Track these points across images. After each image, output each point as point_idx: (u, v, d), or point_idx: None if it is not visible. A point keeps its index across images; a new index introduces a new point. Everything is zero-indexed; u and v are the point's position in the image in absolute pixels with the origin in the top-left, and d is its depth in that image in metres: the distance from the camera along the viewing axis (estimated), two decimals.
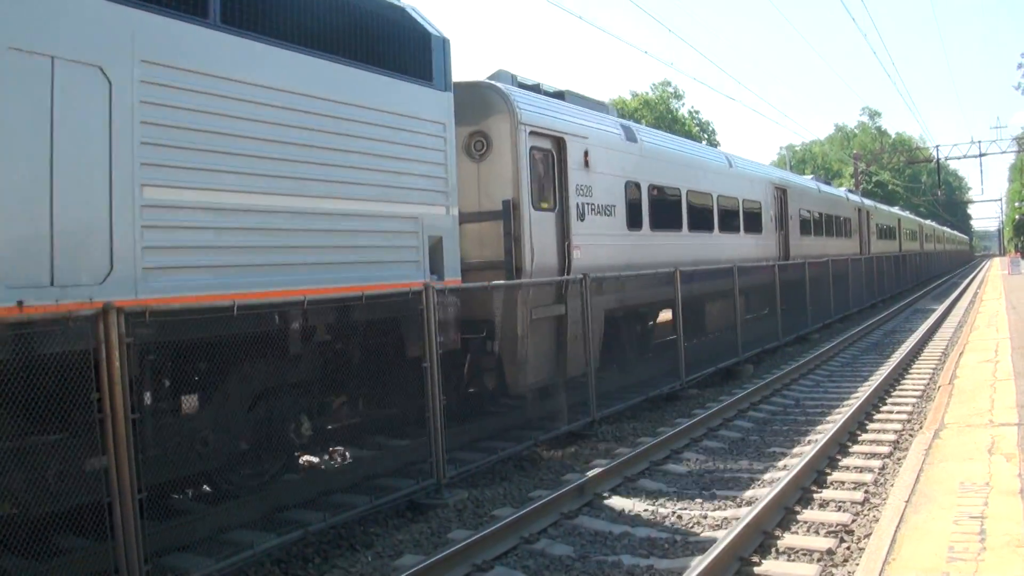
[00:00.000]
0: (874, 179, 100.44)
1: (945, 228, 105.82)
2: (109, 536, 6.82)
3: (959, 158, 79.45)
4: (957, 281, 61.54)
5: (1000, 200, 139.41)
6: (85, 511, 7.37)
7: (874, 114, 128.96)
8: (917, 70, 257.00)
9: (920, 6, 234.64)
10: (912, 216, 72.56)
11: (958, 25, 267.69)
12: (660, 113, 79.50)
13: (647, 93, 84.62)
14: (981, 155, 76.30)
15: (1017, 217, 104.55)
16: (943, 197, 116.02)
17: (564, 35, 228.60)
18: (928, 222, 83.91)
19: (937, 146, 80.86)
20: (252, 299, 8.45)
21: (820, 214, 32.29)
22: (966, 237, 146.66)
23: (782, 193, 26.87)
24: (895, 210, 61.22)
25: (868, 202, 47.67)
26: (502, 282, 12.75)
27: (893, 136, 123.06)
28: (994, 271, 70.13)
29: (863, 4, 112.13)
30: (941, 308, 34.85)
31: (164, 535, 8.35)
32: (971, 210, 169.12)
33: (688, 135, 65.38)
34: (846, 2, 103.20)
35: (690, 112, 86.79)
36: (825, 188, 36.72)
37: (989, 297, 37.04)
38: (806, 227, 29.83)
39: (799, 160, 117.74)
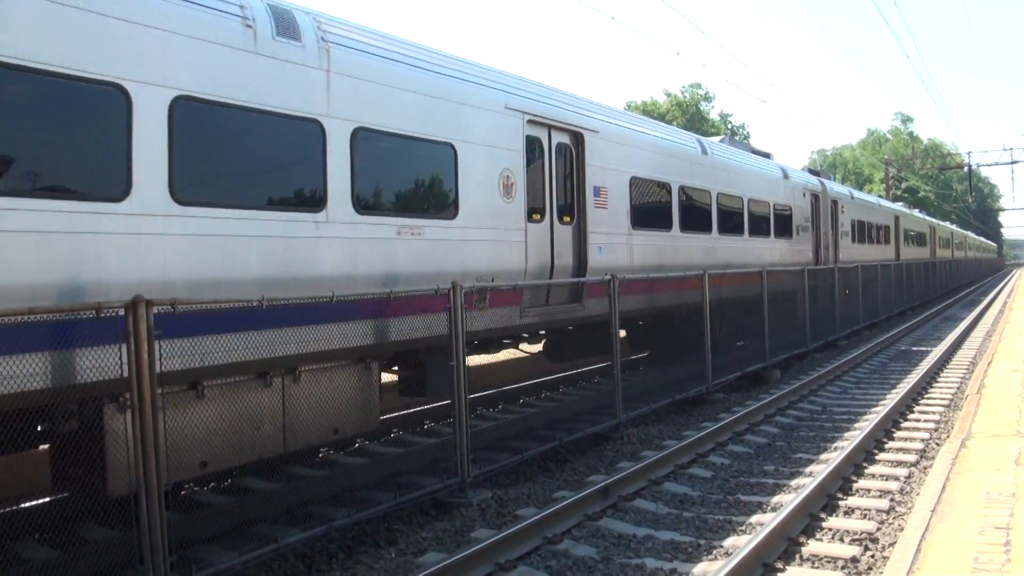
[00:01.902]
0: (904, 185, 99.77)
1: (969, 233, 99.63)
2: (135, 526, 6.89)
3: (991, 165, 79.08)
4: (977, 298, 53.17)
5: None
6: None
7: (906, 119, 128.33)
8: (950, 75, 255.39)
9: (954, 11, 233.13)
10: (921, 215, 60.63)
11: (992, 31, 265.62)
12: (691, 115, 79.31)
13: (678, 95, 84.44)
14: (1013, 162, 75.58)
15: None
16: (974, 204, 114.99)
17: (596, 36, 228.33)
18: (946, 224, 76.87)
19: (969, 152, 79.99)
20: None
21: (707, 194, 19.60)
22: (994, 244, 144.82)
23: (574, 141, 14.55)
24: (896, 206, 49.42)
25: (839, 188, 34.21)
26: None
27: (925, 142, 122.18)
28: None
29: (896, 7, 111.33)
30: (969, 318, 34.50)
31: (188, 526, 8.45)
32: (1002, 218, 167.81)
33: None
34: (879, 5, 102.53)
35: (721, 115, 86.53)
36: (729, 152, 22.40)
37: (1019, 306, 36.72)
38: (653, 216, 17.20)
39: (830, 164, 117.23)
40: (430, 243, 11.25)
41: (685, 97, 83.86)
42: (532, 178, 13.45)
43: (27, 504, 9.13)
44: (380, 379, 10.96)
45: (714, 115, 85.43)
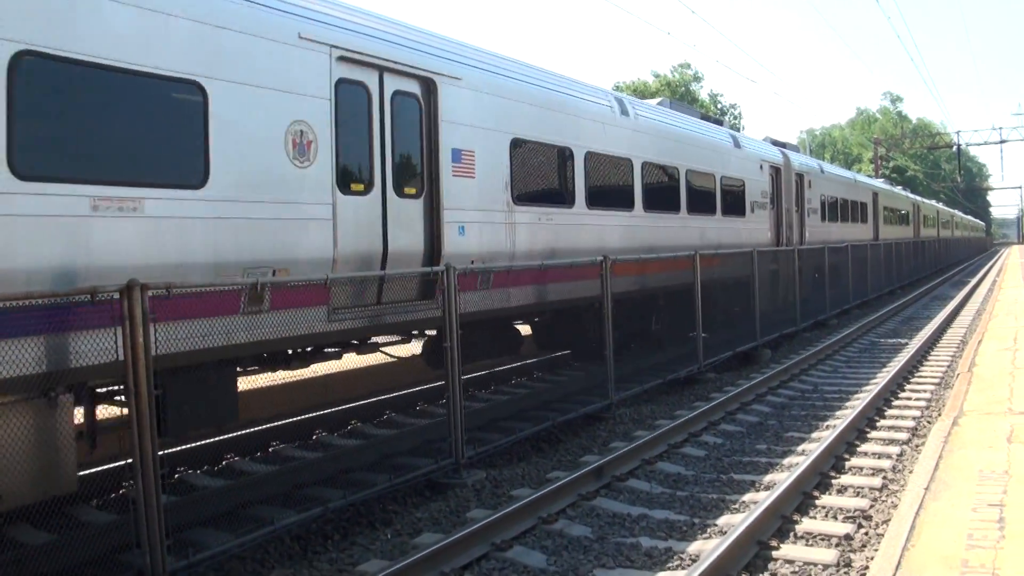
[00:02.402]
0: (892, 164, 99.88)
1: (956, 212, 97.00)
2: (132, 509, 6.88)
3: (980, 144, 79.18)
4: (964, 279, 49.44)
5: (1020, 188, 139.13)
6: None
7: (896, 99, 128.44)
8: (940, 55, 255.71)
9: None
10: (903, 192, 56.71)
11: (982, 11, 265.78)
12: (681, 95, 79.25)
13: (667, 75, 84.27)
14: (1002, 142, 75.94)
15: None
16: (963, 184, 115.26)
17: (586, 15, 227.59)
18: (932, 202, 73.83)
19: (958, 132, 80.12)
20: None
21: (627, 164, 16.51)
22: (982, 223, 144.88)
23: (424, 90, 11.58)
24: (876, 182, 45.79)
25: (806, 161, 30.20)
26: None
27: (914, 121, 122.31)
28: (1013, 259, 69.67)
29: None
30: (958, 297, 34.60)
31: (184, 509, 8.45)
32: (991, 197, 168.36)
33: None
34: None
35: (711, 95, 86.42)
36: (661, 114, 19.25)
37: (1008, 285, 36.84)
38: (548, 189, 14.37)
39: (819, 144, 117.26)
40: (155, 222, 8.17)
41: (675, 77, 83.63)
42: (351, 136, 10.43)
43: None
44: (72, 420, 7.73)
45: (703, 95, 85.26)
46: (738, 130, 25.57)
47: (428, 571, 7.21)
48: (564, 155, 14.47)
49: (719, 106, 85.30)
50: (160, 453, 6.97)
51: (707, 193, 20.13)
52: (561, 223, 14.23)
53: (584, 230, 14.82)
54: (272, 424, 12.11)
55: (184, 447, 10.51)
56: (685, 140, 19.21)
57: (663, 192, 17.96)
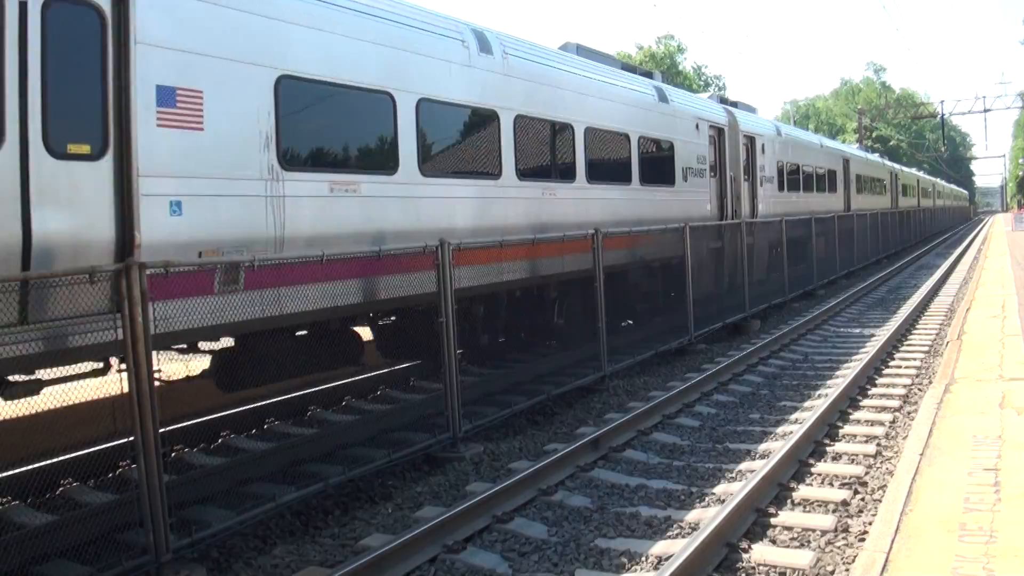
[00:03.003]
0: (875, 134, 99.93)
1: (939, 180, 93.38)
2: (134, 488, 6.89)
3: (963, 113, 79.34)
4: (947, 250, 48.40)
5: (1004, 156, 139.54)
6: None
7: (879, 69, 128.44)
8: (924, 24, 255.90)
9: None
10: (880, 159, 52.98)
11: None
12: (666, 68, 79.08)
13: (651, 47, 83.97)
14: (986, 111, 76.13)
15: (1021, 174, 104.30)
16: (946, 153, 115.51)
17: None
18: (912, 170, 70.73)
19: (942, 101, 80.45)
20: None
21: (492, 118, 12.82)
22: (965, 192, 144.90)
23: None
24: (848, 148, 43.45)
25: (759, 122, 26.08)
26: None
27: (898, 91, 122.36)
28: (997, 227, 69.95)
29: None
30: (943, 267, 34.76)
31: (186, 488, 8.46)
32: (974, 166, 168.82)
33: (691, 90, 64.07)
34: None
35: (695, 67, 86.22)
36: (548, 57, 15.01)
37: (994, 253, 37.04)
38: (348, 151, 10.58)
39: (803, 115, 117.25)
40: None
41: (659, 49, 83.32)
42: None
43: (15, 471, 9.09)
44: None
45: (687, 66, 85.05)
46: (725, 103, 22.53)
47: (431, 543, 7.27)
48: (381, 104, 10.81)
49: (703, 78, 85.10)
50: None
51: (618, 157, 16.41)
52: (379, 196, 10.68)
53: (417, 205, 11.30)
54: (265, 402, 12.07)
55: (181, 425, 10.50)
56: (584, 90, 15.37)
57: (549, 156, 14.53)
